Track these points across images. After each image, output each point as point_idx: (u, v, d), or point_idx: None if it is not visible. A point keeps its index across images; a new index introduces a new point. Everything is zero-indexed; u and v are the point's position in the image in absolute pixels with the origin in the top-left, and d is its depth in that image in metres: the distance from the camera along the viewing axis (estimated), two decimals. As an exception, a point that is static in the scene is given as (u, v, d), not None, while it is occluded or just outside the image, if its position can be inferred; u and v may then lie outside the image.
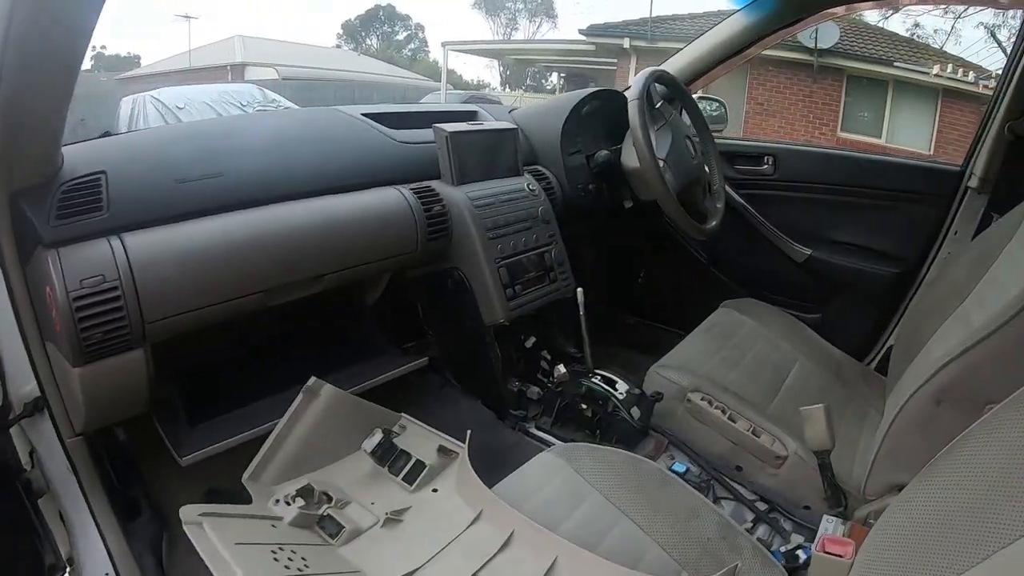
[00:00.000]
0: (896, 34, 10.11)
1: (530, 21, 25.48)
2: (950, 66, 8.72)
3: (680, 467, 1.14)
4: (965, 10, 10.26)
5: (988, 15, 10.26)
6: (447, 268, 1.28)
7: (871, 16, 11.00)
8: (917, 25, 11.85)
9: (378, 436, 1.00)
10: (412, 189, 1.19)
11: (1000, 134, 1.39)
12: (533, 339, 1.36)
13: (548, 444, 1.21)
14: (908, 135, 8.73)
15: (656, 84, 1.43)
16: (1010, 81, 1.39)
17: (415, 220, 1.17)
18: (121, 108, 7.26)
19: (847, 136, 8.99)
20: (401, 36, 27.04)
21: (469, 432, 1.01)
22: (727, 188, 1.70)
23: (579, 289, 1.27)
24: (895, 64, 8.76)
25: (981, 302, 0.97)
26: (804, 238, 1.70)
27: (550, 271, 1.34)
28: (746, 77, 9.23)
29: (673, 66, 1.66)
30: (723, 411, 1.16)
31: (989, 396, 0.79)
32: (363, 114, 1.31)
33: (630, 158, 1.41)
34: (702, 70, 1.69)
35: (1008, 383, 0.66)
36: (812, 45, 8.55)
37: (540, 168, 1.46)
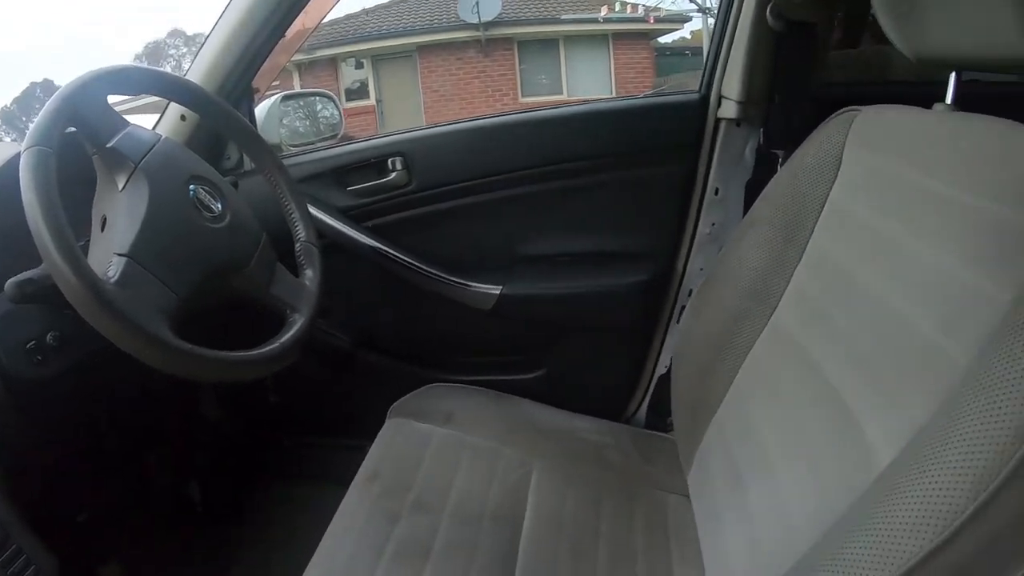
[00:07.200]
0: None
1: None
2: (617, 5, 9.10)
3: None
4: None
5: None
6: None
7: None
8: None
9: None
10: None
11: (760, 26, 0.89)
12: None
13: None
14: (588, 84, 8.91)
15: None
16: None
17: None
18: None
19: (529, 100, 8.84)
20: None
21: None
22: (340, 225, 1.04)
23: None
24: (562, 19, 8.97)
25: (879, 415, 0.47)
26: (487, 269, 1.05)
27: None
28: (417, 68, 8.94)
29: (199, 73, 0.93)
30: None
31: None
32: None
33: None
34: (238, 66, 0.93)
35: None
36: (476, 20, 8.59)
37: None
